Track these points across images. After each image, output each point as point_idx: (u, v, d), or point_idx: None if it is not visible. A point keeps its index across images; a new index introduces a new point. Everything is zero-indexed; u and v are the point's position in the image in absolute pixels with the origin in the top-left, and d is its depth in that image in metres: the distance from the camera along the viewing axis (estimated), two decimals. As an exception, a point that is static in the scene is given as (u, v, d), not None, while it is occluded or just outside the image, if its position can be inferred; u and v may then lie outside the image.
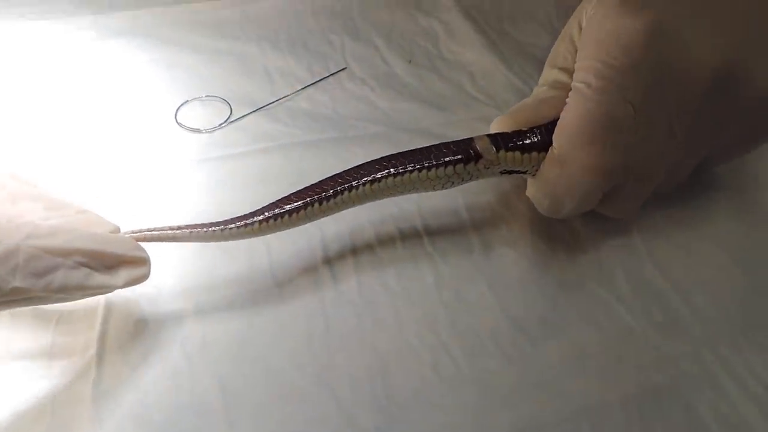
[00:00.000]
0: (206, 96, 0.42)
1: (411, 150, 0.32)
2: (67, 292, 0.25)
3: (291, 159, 0.38)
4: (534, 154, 0.31)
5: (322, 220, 0.32)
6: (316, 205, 0.30)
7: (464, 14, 0.50)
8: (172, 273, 0.33)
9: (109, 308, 0.31)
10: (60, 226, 0.26)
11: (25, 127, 0.40)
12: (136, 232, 0.29)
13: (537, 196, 0.33)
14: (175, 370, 0.29)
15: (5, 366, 0.29)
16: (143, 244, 0.29)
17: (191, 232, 0.29)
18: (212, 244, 0.34)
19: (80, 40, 0.46)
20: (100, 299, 0.31)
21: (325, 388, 0.29)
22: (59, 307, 0.31)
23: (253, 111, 0.41)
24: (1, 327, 0.30)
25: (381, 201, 0.34)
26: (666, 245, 0.35)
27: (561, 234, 0.35)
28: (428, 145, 0.32)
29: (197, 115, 0.41)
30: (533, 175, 0.32)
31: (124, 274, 0.27)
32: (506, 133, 0.32)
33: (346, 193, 0.31)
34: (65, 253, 0.25)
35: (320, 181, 0.31)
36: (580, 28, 0.32)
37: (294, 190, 0.34)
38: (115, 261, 0.26)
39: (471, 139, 0.32)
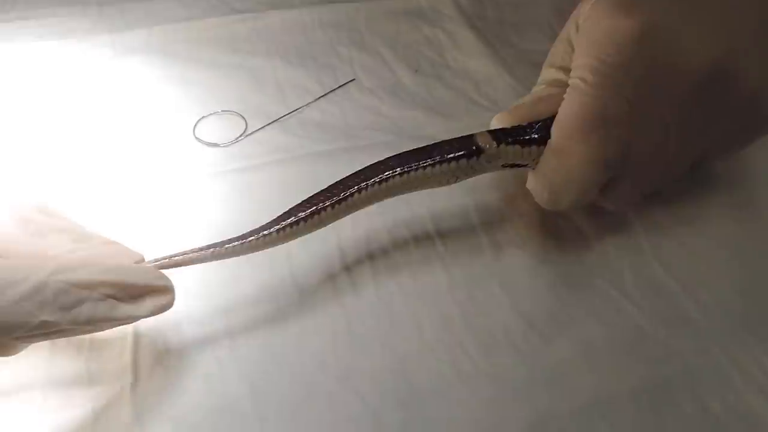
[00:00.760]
0: (222, 111, 0.44)
1: (415, 149, 0.33)
2: (94, 324, 0.25)
3: (305, 169, 0.40)
4: (533, 147, 0.33)
5: (338, 225, 0.33)
6: (329, 209, 0.31)
7: (467, 23, 0.51)
8: (197, 283, 0.34)
9: (139, 322, 0.32)
10: (86, 258, 0.27)
11: (45, 147, 0.41)
12: (158, 260, 0.30)
13: (536, 188, 0.34)
14: (207, 375, 0.31)
15: (46, 392, 0.30)
16: (166, 271, 0.29)
17: (212, 251, 0.30)
18: (249, 256, 0.35)
19: (97, 59, 0.47)
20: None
21: (350, 388, 0.30)
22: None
23: (268, 124, 0.43)
24: (40, 354, 0.31)
25: (394, 206, 0.36)
26: (670, 243, 0.37)
27: (568, 234, 0.37)
28: (433, 143, 0.33)
29: (214, 129, 0.43)
30: (533, 169, 0.34)
31: (149, 303, 0.27)
32: (506, 129, 0.33)
33: (356, 194, 0.32)
34: (91, 285, 0.25)
35: (330, 186, 0.32)
36: (577, 30, 0.34)
37: None
38: (139, 291, 0.27)
39: (472, 135, 0.33)
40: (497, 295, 0.34)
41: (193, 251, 0.30)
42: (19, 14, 0.49)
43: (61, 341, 0.31)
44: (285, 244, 0.32)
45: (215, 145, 0.42)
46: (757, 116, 0.35)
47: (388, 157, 0.33)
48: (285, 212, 0.32)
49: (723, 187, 0.40)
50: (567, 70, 0.34)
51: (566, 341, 0.32)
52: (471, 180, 0.39)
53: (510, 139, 0.33)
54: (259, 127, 0.42)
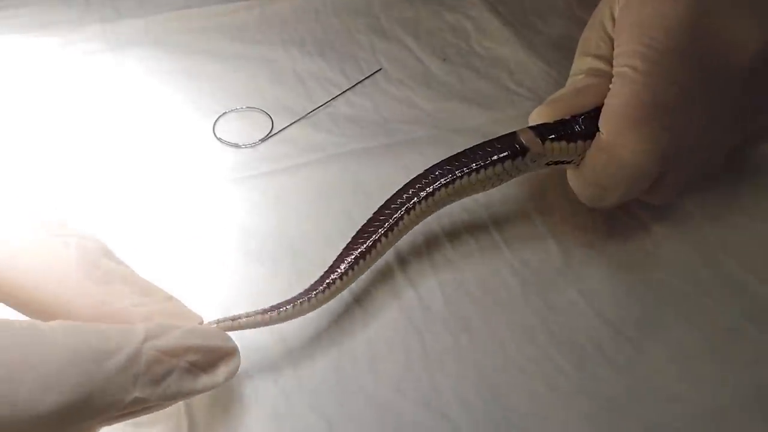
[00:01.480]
0: (246, 107, 0.39)
1: (456, 155, 0.31)
2: (176, 399, 0.22)
3: (347, 169, 0.36)
4: (579, 142, 0.31)
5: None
6: (383, 239, 0.29)
7: (489, 8, 0.48)
8: (245, 305, 0.30)
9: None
10: (158, 318, 0.23)
11: (50, 155, 0.36)
12: (220, 321, 0.26)
13: (581, 185, 0.32)
14: (275, 413, 0.27)
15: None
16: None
17: (279, 312, 0.27)
18: (285, 269, 0.32)
19: (89, 51, 0.42)
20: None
21: (436, 414, 0.27)
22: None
23: (297, 120, 0.38)
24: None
25: (449, 209, 0.33)
26: (736, 234, 0.35)
27: (634, 232, 0.35)
28: (472, 146, 0.31)
29: (234, 128, 0.38)
30: (577, 165, 0.32)
31: (222, 369, 0.24)
32: (549, 124, 0.31)
33: (406, 216, 0.30)
34: (178, 352, 0.22)
35: (377, 212, 0.30)
36: (611, 15, 0.32)
37: (355, 206, 0.34)
38: (216, 357, 0.24)
39: (514, 134, 0.31)
40: (576, 301, 0.31)
41: (257, 313, 0.27)
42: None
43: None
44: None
45: (239, 146, 0.37)
46: None
47: (428, 169, 0.31)
48: (339, 255, 0.29)
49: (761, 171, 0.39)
50: (604, 59, 0.33)
51: (658, 348, 0.30)
52: (529, 179, 0.37)
53: (555, 135, 0.31)
54: (287, 124, 0.38)
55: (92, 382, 0.19)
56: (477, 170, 0.30)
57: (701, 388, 0.28)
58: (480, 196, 0.34)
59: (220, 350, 0.24)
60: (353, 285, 0.31)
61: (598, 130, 0.31)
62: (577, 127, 0.31)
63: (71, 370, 0.19)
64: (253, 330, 0.28)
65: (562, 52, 0.46)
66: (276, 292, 0.30)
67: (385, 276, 0.32)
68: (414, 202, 0.30)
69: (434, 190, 0.30)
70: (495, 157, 0.30)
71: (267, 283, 0.31)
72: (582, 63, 0.34)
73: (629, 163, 0.30)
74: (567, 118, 0.31)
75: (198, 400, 0.27)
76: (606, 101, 0.31)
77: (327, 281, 0.28)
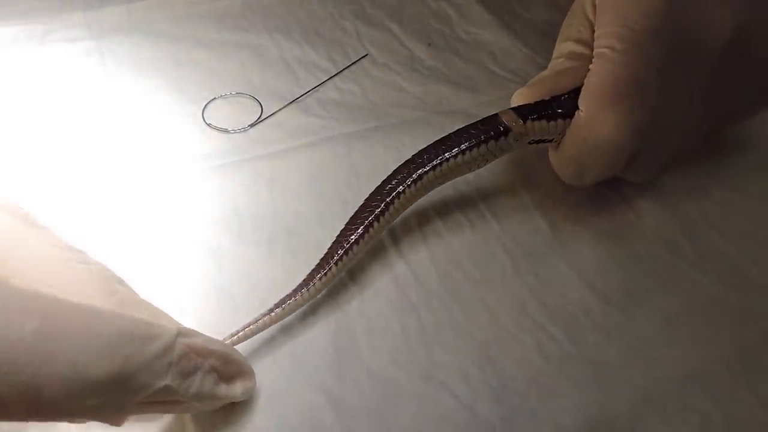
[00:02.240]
0: (235, 93, 0.39)
1: (442, 138, 0.32)
2: (199, 399, 0.23)
3: (338, 152, 0.37)
4: (559, 121, 0.32)
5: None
6: (376, 223, 0.30)
7: (471, -6, 0.49)
8: (243, 287, 0.30)
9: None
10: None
11: (32, 143, 0.36)
12: (233, 335, 0.27)
13: (561, 163, 0.33)
14: (276, 389, 0.27)
15: None
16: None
17: (283, 308, 0.27)
18: (279, 250, 0.32)
19: (71, 39, 0.42)
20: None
21: (436, 384, 0.28)
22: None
23: (287, 105, 0.39)
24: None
25: (440, 189, 0.34)
26: (716, 207, 0.36)
27: (618, 206, 0.36)
28: (457, 129, 0.32)
29: (223, 114, 0.38)
30: (558, 144, 0.33)
31: (239, 385, 0.25)
32: (529, 105, 0.32)
33: (396, 201, 0.31)
34: (203, 353, 0.23)
35: (369, 197, 0.31)
36: (592, 2, 0.33)
37: (347, 187, 0.34)
38: (234, 371, 0.25)
39: (496, 115, 0.32)
40: (565, 273, 0.32)
41: (263, 315, 0.27)
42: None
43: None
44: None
45: (229, 131, 0.37)
46: None
47: (417, 153, 0.32)
48: (336, 239, 0.30)
49: (748, 148, 0.40)
50: (584, 43, 0.34)
51: (645, 315, 0.31)
52: (516, 157, 0.37)
53: (535, 115, 0.32)
54: (277, 109, 0.39)
55: (137, 360, 0.20)
56: (463, 152, 0.31)
57: (687, 352, 0.30)
58: (469, 174, 0.35)
59: (238, 364, 0.25)
60: (348, 262, 0.31)
61: (577, 108, 0.32)
62: (557, 107, 0.32)
63: (123, 346, 0.20)
64: (249, 311, 0.29)
65: (545, 37, 0.46)
66: (272, 273, 0.31)
67: (378, 253, 0.32)
68: (404, 187, 0.31)
69: (423, 173, 0.31)
70: (479, 139, 0.31)
71: (263, 264, 0.31)
72: (563, 47, 0.35)
73: (606, 138, 0.31)
74: (547, 98, 0.32)
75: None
76: (585, 81, 0.32)
77: (324, 269, 0.29)
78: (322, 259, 0.29)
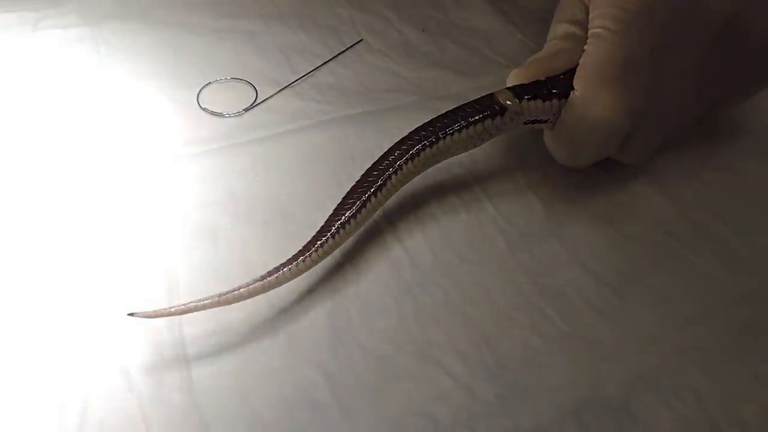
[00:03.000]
0: (230, 78, 0.39)
1: (438, 117, 0.32)
2: None
3: (334, 136, 0.37)
4: (555, 101, 0.32)
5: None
6: (372, 199, 0.30)
7: (466, -20, 0.49)
8: (238, 268, 0.30)
9: (181, 318, 0.28)
10: None
11: (28, 131, 0.36)
12: (222, 295, 0.26)
13: (556, 144, 0.33)
14: (272, 367, 0.27)
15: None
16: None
17: (277, 277, 0.27)
18: (275, 232, 0.32)
19: (65, 26, 0.41)
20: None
21: (432, 363, 0.28)
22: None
23: (282, 89, 0.39)
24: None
25: (435, 171, 0.34)
26: (711, 190, 0.36)
27: (613, 187, 0.36)
28: (453, 108, 0.32)
29: (218, 99, 0.38)
30: (553, 125, 0.33)
31: None
32: (525, 84, 0.33)
33: (393, 177, 0.31)
34: None
35: (365, 174, 0.31)
36: None
37: (343, 170, 0.34)
38: None
39: (492, 95, 0.32)
40: (560, 254, 0.32)
41: (255, 281, 0.27)
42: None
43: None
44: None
45: (224, 115, 0.37)
46: (766, 64, 0.36)
47: (414, 130, 0.32)
48: (332, 214, 0.30)
49: (743, 134, 0.40)
50: (579, 24, 0.34)
51: (639, 295, 0.31)
52: (511, 139, 0.38)
53: (531, 95, 0.32)
54: (272, 93, 0.39)
55: None
56: (459, 130, 0.31)
57: (681, 330, 0.30)
58: (464, 156, 0.35)
59: None
60: (343, 245, 0.31)
61: (572, 89, 0.32)
62: (553, 87, 0.32)
63: None
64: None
65: (539, 23, 0.46)
66: (267, 255, 0.31)
67: (374, 235, 0.32)
68: (400, 164, 0.31)
69: (418, 151, 0.31)
70: (475, 118, 0.31)
71: (258, 246, 0.32)
72: (558, 29, 0.35)
73: (601, 118, 0.31)
74: (542, 79, 0.33)
75: (198, 358, 0.27)
76: (581, 61, 0.32)
77: (319, 242, 0.29)
78: (317, 233, 0.29)
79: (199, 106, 0.38)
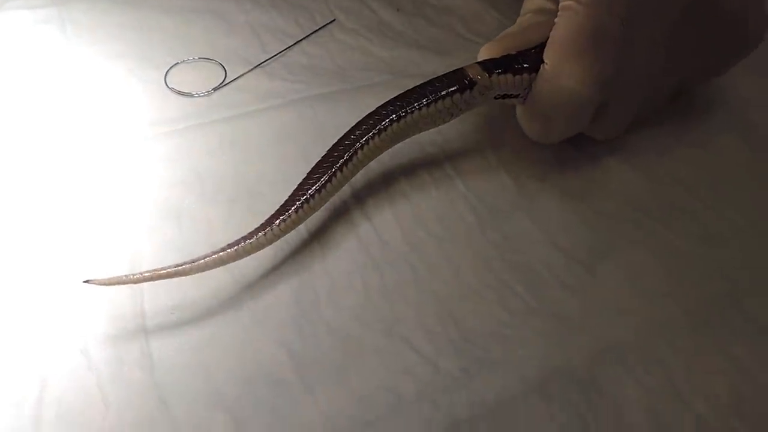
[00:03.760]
0: (199, 58, 0.39)
1: (407, 91, 0.32)
2: None
3: (305, 114, 0.36)
4: (525, 75, 0.32)
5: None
6: (339, 173, 0.30)
7: (441, -41, 0.48)
8: (203, 247, 0.30)
9: (142, 293, 0.28)
10: None
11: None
12: (179, 265, 0.26)
13: (527, 118, 0.33)
14: (235, 344, 0.27)
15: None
16: None
17: (236, 249, 0.27)
18: (241, 210, 0.32)
19: (32, 6, 0.41)
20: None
21: (399, 339, 0.28)
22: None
23: (252, 69, 0.38)
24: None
25: (406, 149, 0.33)
26: (685, 166, 0.36)
27: (585, 164, 0.35)
28: (422, 83, 0.32)
29: (187, 79, 0.38)
30: (524, 99, 0.33)
31: None
32: (495, 59, 0.32)
33: (360, 152, 0.30)
34: None
35: (331, 148, 0.31)
36: None
37: (313, 149, 0.33)
38: None
39: (462, 69, 0.32)
40: (530, 230, 0.32)
41: (215, 252, 0.27)
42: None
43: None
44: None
45: (192, 95, 0.37)
46: (738, 38, 0.36)
47: (381, 105, 0.31)
48: (297, 187, 0.29)
49: (718, 110, 0.40)
50: None
51: (609, 270, 0.31)
52: (483, 116, 0.37)
53: (501, 69, 0.32)
54: (242, 73, 0.38)
55: None
56: (427, 105, 0.31)
57: (651, 304, 0.29)
58: (434, 133, 0.35)
59: None
60: (310, 222, 0.31)
61: (543, 62, 0.31)
62: (523, 61, 0.32)
63: None
64: (213, 270, 0.28)
65: (516, 2, 0.46)
66: (232, 233, 0.30)
67: (342, 212, 0.32)
68: (367, 138, 0.30)
69: (386, 125, 0.31)
70: (443, 92, 0.31)
71: (223, 225, 0.31)
72: (530, 3, 0.35)
73: (570, 90, 0.31)
74: (513, 53, 0.32)
75: (159, 334, 0.27)
76: (551, 34, 0.31)
77: (282, 216, 0.28)
78: (281, 207, 0.29)
79: (167, 86, 0.37)
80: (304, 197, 0.29)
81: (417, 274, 0.30)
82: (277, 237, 0.28)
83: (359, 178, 0.33)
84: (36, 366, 0.26)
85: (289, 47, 0.40)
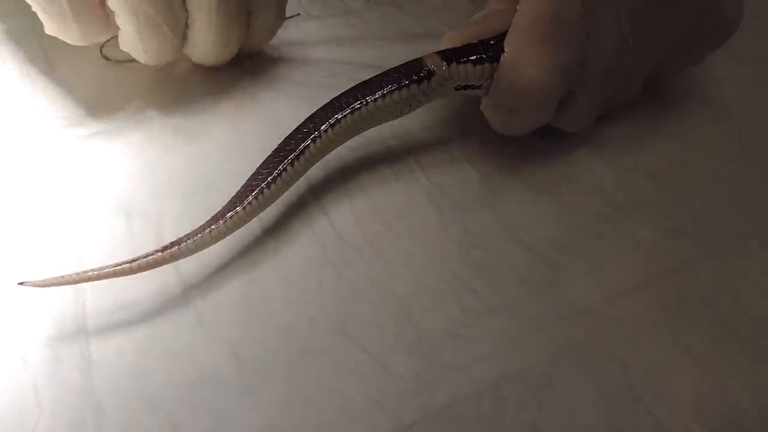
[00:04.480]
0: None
1: (363, 82, 0.31)
2: None
3: (262, 108, 0.35)
4: (486, 65, 0.30)
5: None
6: (290, 168, 0.29)
7: (414, -53, 0.47)
8: (153, 244, 0.29)
9: (85, 293, 0.27)
10: None
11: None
12: (119, 264, 0.25)
13: (490, 109, 0.32)
14: (178, 345, 0.26)
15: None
16: None
17: (179, 248, 0.26)
18: (196, 204, 0.31)
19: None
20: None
21: (349, 339, 0.27)
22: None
23: (211, 59, 0.37)
24: None
25: (366, 142, 0.32)
26: (654, 156, 0.35)
27: (550, 156, 0.34)
28: (379, 73, 0.31)
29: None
30: (487, 90, 0.32)
31: None
32: (456, 48, 0.31)
33: (312, 145, 0.29)
34: None
35: (283, 141, 0.30)
36: None
37: (270, 142, 0.32)
38: None
39: (420, 59, 0.31)
40: (493, 226, 0.31)
41: (156, 251, 0.26)
42: None
43: None
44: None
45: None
46: (713, 24, 0.34)
47: (336, 96, 0.30)
48: (247, 182, 0.28)
49: (693, 97, 0.39)
50: None
51: (573, 265, 0.30)
52: (447, 109, 0.36)
53: (461, 59, 0.30)
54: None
55: None
56: (383, 96, 0.30)
57: (612, 301, 0.29)
58: (396, 125, 0.34)
59: None
60: (264, 216, 0.30)
61: (504, 51, 0.30)
62: (484, 50, 0.31)
63: None
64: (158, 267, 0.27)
65: (489, -10, 0.45)
66: (185, 228, 0.30)
67: (297, 206, 0.31)
68: (321, 130, 0.29)
69: (341, 117, 0.29)
70: (401, 83, 0.30)
71: (176, 220, 0.30)
72: None
73: (531, 78, 0.30)
74: (475, 42, 0.31)
75: (100, 335, 0.26)
76: (512, 21, 0.30)
77: (229, 213, 0.27)
78: (228, 203, 0.28)
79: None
80: (254, 192, 0.28)
81: (373, 271, 0.29)
82: (223, 235, 0.27)
83: (317, 171, 0.32)
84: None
85: (252, 37, 0.39)
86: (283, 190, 0.29)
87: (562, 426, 0.25)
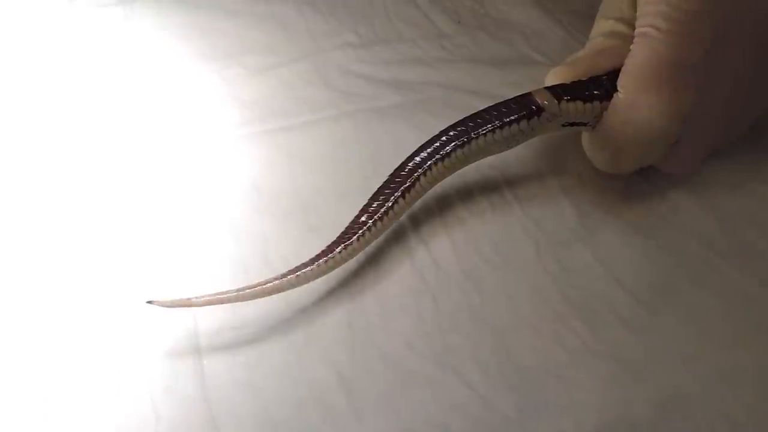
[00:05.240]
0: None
1: (471, 116, 0.31)
2: None
3: (359, 127, 0.36)
4: (596, 103, 0.30)
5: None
6: (401, 200, 0.29)
7: (505, -28, 0.47)
8: (257, 261, 0.30)
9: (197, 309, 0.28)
10: None
11: (55, 108, 0.36)
12: (240, 290, 0.26)
13: (596, 148, 0.32)
14: (286, 365, 0.26)
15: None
16: None
17: (297, 275, 0.27)
18: (296, 224, 0.31)
19: (98, 5, 0.41)
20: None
21: (450, 371, 0.27)
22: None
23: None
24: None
25: (462, 170, 0.32)
26: (755, 202, 0.34)
27: (651, 197, 0.34)
28: (487, 107, 0.31)
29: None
30: (593, 127, 0.31)
31: None
32: (565, 84, 0.31)
33: (422, 178, 0.30)
34: None
35: (393, 174, 0.30)
36: None
37: (368, 163, 0.33)
38: None
39: (530, 94, 0.31)
40: (590, 263, 0.31)
41: (275, 278, 0.27)
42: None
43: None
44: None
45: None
46: None
47: (444, 129, 0.30)
48: (358, 214, 0.29)
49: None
50: (625, 21, 0.32)
51: (672, 312, 0.29)
52: (545, 140, 0.36)
53: (571, 96, 0.30)
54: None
55: None
56: (492, 131, 0.30)
57: (717, 351, 0.28)
58: (495, 157, 0.33)
59: None
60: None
61: (616, 90, 0.30)
62: (594, 88, 0.30)
63: None
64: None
65: (581, 18, 0.44)
66: (287, 248, 0.30)
67: (397, 235, 0.31)
68: (430, 164, 0.30)
69: (449, 151, 0.30)
70: (510, 118, 0.30)
71: (278, 239, 0.31)
72: (602, 25, 0.33)
73: (647, 123, 0.29)
74: (584, 79, 0.31)
75: (212, 351, 0.26)
76: (626, 61, 0.30)
77: (344, 243, 0.28)
78: (342, 233, 0.28)
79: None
80: (366, 225, 0.28)
81: (471, 303, 0.29)
82: (338, 264, 0.28)
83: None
84: (92, 379, 0.26)
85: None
86: (393, 221, 0.29)
87: (671, 480, 0.24)
